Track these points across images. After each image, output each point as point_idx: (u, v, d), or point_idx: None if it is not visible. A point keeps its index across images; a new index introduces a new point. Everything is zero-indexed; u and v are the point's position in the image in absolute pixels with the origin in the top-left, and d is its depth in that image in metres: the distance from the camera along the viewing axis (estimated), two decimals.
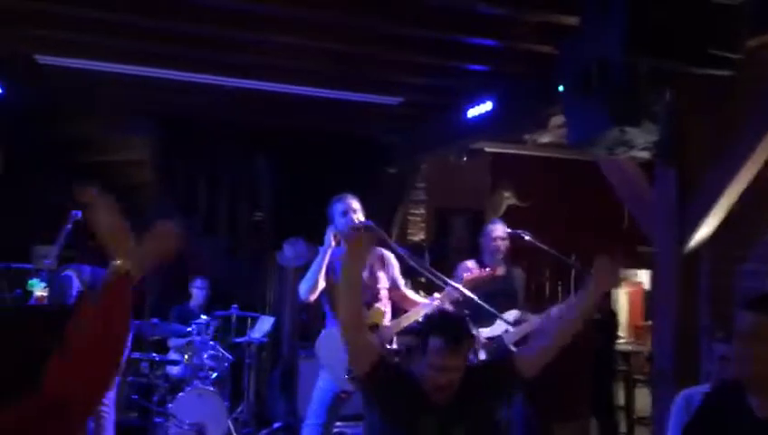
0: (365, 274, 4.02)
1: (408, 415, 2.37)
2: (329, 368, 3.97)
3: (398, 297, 4.18)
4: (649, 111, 3.34)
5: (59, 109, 6.53)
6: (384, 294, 4.08)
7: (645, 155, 3.76)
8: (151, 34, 4.74)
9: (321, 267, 3.95)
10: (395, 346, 4.07)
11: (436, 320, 2.57)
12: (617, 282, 2.63)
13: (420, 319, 4.07)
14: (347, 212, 3.99)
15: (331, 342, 3.91)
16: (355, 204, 4.04)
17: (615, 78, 3.24)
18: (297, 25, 4.50)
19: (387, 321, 4.06)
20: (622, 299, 8.53)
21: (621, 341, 7.55)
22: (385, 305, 4.08)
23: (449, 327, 2.36)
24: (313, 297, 4.00)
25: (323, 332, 4.06)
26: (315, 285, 3.96)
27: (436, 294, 4.13)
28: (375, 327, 3.96)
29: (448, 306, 4.00)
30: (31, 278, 4.32)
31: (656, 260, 4.05)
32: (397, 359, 4.02)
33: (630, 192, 4.19)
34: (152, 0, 4.26)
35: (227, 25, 4.49)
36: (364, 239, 2.52)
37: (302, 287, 4.02)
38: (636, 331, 8.26)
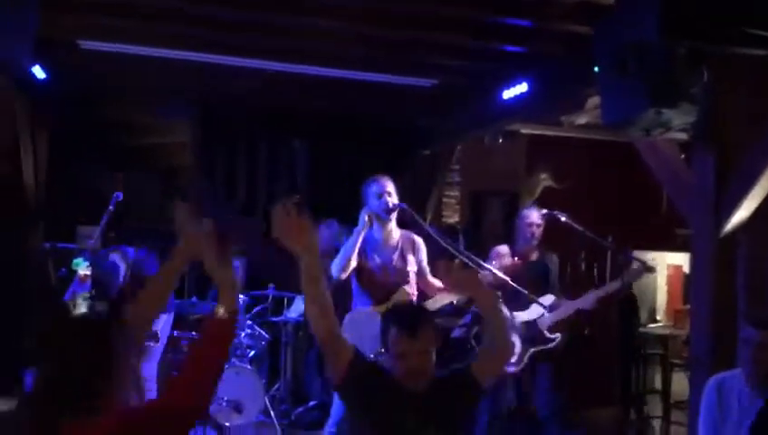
0: (395, 255, 4.07)
1: (385, 409, 2.43)
2: None
3: (423, 284, 4.19)
4: (687, 91, 3.30)
5: (101, 93, 6.68)
6: (412, 277, 4.11)
7: (683, 136, 3.72)
8: (192, 19, 4.81)
9: (354, 247, 4.01)
10: None
11: (392, 312, 2.66)
12: (472, 289, 2.61)
13: (445, 305, 4.10)
14: (381, 195, 4.03)
15: (354, 323, 3.98)
16: (390, 186, 4.07)
17: (651, 59, 3.21)
18: (334, 9, 4.53)
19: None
20: (661, 282, 8.42)
21: (659, 324, 7.48)
22: (412, 289, 4.10)
23: (403, 315, 2.49)
24: (344, 276, 4.06)
25: (347, 315, 4.10)
26: (348, 264, 4.01)
27: None
28: None
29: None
30: (75, 258, 4.46)
31: (693, 243, 4.01)
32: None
33: (667, 174, 4.14)
34: None
35: (266, 9, 4.53)
36: (295, 220, 2.44)
37: (335, 266, 4.08)
38: (675, 314, 8.15)
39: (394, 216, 4.08)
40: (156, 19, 4.77)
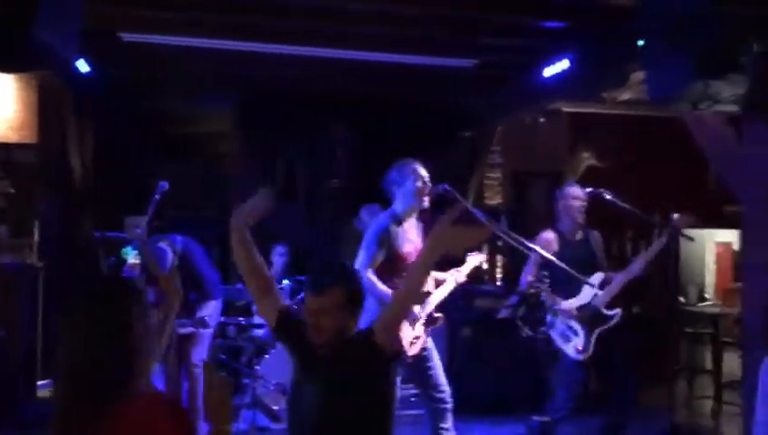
0: (421, 240, 4.01)
1: (299, 363, 2.49)
2: None
3: None
4: (735, 62, 3.20)
5: (144, 84, 6.79)
6: None
7: (732, 108, 3.62)
8: (231, 7, 4.85)
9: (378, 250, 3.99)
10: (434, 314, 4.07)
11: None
12: (456, 245, 2.38)
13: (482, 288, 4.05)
14: (422, 180, 3.97)
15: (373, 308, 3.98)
16: (425, 171, 4.01)
17: (701, 30, 3.12)
18: None
19: (432, 288, 4.07)
20: (709, 260, 8.24)
21: (708, 303, 7.32)
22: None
23: (313, 274, 2.54)
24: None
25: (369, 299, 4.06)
26: (373, 263, 4.03)
27: (454, 270, 4.12)
28: (428, 295, 3.98)
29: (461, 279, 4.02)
30: (124, 247, 4.55)
31: (744, 219, 3.91)
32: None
33: (716, 148, 4.04)
34: None
35: None
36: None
37: (361, 264, 4.07)
38: (724, 293, 7.98)
39: (427, 201, 4.01)
40: (195, 9, 4.83)
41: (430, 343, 4.03)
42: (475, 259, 4.22)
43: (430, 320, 3.99)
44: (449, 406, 3.93)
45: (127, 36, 5.52)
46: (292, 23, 5.17)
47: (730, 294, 7.71)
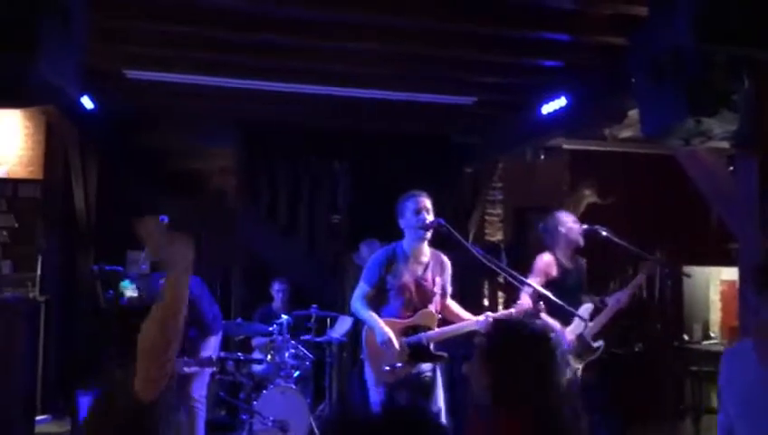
0: (423, 274, 4.03)
1: None
2: (369, 361, 4.02)
3: (442, 306, 4.14)
4: (727, 99, 3.22)
5: (147, 120, 6.88)
6: (437, 299, 4.07)
7: (724, 145, 3.64)
8: (232, 47, 4.94)
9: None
10: (434, 351, 4.03)
11: None
12: None
13: (463, 335, 4.02)
14: (419, 211, 4.00)
15: (370, 337, 3.99)
16: (427, 202, 4.04)
17: (688, 66, 3.15)
18: (371, 31, 4.59)
19: (436, 327, 4.04)
20: (714, 298, 8.19)
21: (713, 341, 7.25)
22: (435, 308, 4.06)
23: None
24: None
25: (366, 327, 4.08)
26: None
27: (489, 313, 4.08)
28: (426, 329, 3.97)
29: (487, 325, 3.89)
30: (123, 280, 4.58)
31: (740, 256, 3.90)
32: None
33: (711, 185, 4.05)
34: (232, 13, 4.43)
35: (303, 35, 4.62)
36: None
37: (356, 307, 4.13)
38: (730, 331, 7.90)
39: (429, 234, 4.05)
40: (198, 47, 4.92)
41: (438, 378, 4.02)
42: (509, 312, 4.09)
43: (433, 356, 3.99)
44: None
45: (130, 73, 5.62)
46: (293, 62, 5.25)
47: (736, 332, 7.64)
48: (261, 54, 5.06)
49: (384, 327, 3.90)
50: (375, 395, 3.95)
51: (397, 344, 3.86)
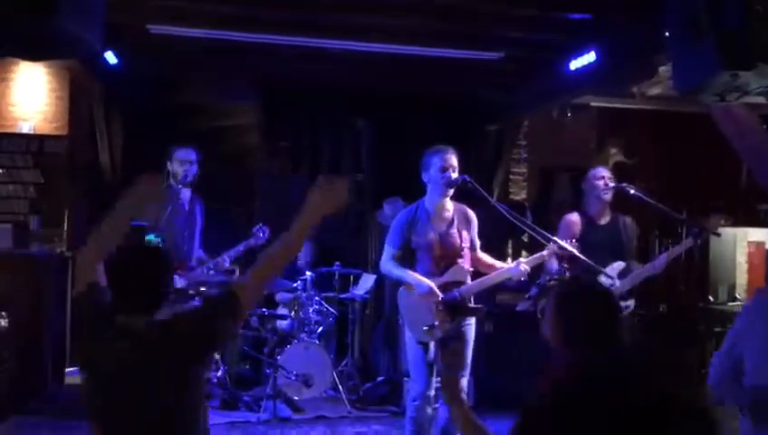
0: (449, 229, 4.00)
1: None
2: (408, 322, 4.02)
3: (474, 259, 4.10)
4: (765, 52, 3.12)
5: (171, 77, 6.86)
6: (466, 252, 4.03)
7: (761, 100, 3.53)
8: (256, 0, 4.87)
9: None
10: (471, 305, 4.02)
11: None
12: (336, 203, 2.35)
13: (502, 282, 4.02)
14: (446, 168, 3.95)
15: (407, 297, 3.98)
16: (453, 159, 3.97)
17: (725, 17, 3.04)
18: None
19: (469, 280, 4.03)
20: (741, 259, 8.08)
21: (739, 302, 7.18)
22: (466, 263, 4.04)
23: None
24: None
25: (401, 288, 4.09)
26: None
27: (521, 259, 4.07)
28: (459, 284, 3.96)
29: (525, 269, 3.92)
30: (148, 234, 4.60)
31: None
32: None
33: (745, 142, 3.95)
34: None
35: None
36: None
37: (384, 267, 4.11)
38: None
39: (451, 190, 4.01)
40: (221, 1, 4.86)
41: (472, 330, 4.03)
42: (540, 255, 4.04)
43: (470, 310, 3.98)
44: None
45: (154, 29, 5.58)
46: (317, 15, 5.18)
47: None
48: (285, 8, 4.99)
49: (421, 278, 3.91)
50: (416, 352, 3.98)
51: (438, 292, 3.86)
